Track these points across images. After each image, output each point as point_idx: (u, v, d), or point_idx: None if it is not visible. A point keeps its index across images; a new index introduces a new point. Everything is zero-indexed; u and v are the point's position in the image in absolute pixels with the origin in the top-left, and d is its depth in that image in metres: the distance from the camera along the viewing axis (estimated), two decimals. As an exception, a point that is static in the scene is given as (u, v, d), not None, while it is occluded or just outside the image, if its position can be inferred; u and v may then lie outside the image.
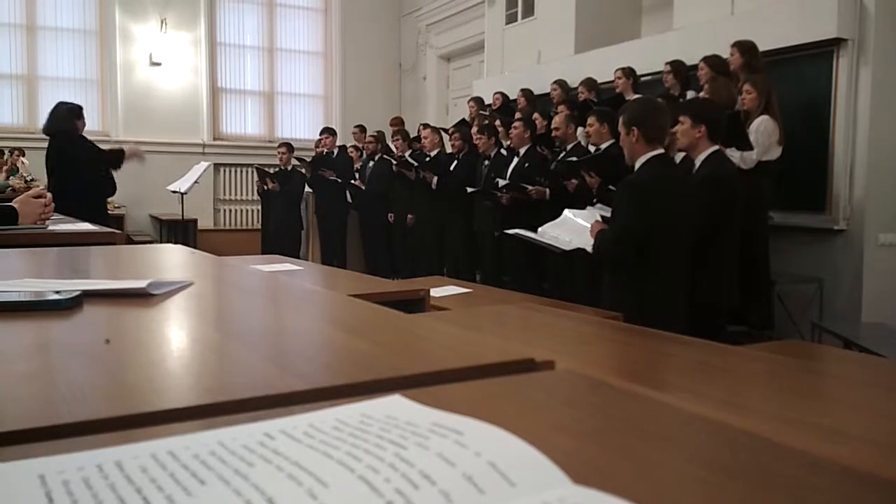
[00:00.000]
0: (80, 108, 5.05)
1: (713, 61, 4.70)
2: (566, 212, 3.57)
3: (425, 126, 7.36)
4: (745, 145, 4.07)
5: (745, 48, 4.52)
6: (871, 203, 4.55)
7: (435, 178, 6.52)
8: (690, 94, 5.01)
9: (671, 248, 3.00)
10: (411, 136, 7.57)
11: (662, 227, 2.95)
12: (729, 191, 3.27)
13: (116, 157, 5.15)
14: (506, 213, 5.52)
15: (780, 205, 4.67)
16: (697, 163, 3.33)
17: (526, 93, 6.82)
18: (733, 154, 4.07)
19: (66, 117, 4.93)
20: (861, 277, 4.53)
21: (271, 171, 8.00)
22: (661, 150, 3.07)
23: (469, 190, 5.80)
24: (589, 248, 3.16)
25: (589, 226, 3.24)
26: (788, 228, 4.74)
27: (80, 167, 4.82)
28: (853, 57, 4.56)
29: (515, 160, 5.68)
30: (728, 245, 3.33)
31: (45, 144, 5.08)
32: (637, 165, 3.07)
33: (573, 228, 3.39)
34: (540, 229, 3.55)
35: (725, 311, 3.42)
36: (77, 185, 4.66)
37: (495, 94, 7.29)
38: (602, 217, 3.31)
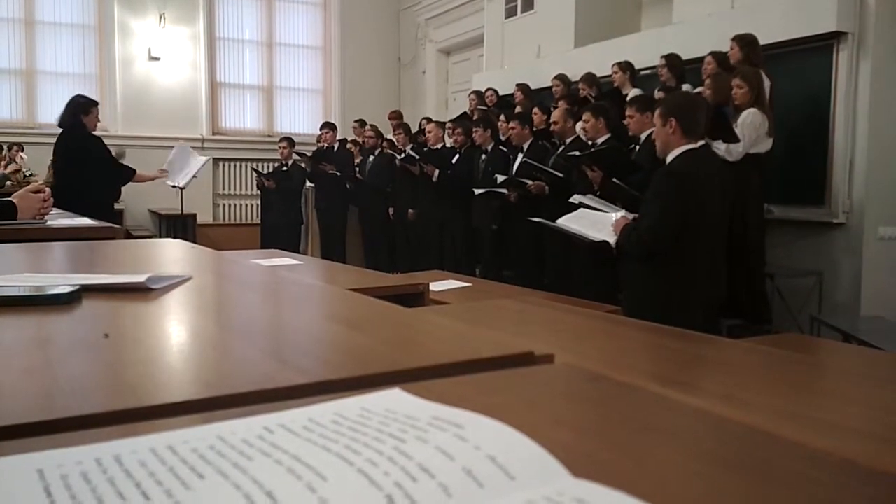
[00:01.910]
0: (87, 103, 4.96)
1: (720, 57, 4.69)
2: (582, 209, 3.55)
3: (428, 120, 7.35)
4: (731, 138, 4.08)
5: (745, 42, 4.51)
6: (871, 197, 4.55)
7: (436, 171, 6.51)
8: (686, 88, 5.00)
9: (701, 243, 2.98)
10: (412, 130, 7.57)
11: (692, 220, 2.93)
12: (716, 182, 3.26)
13: (125, 175, 5.09)
14: (506, 208, 5.52)
15: (779, 198, 4.67)
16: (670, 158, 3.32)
17: (523, 87, 6.81)
18: (719, 146, 4.08)
19: (72, 112, 4.88)
20: (860, 271, 4.53)
21: (270, 169, 8.01)
22: (699, 144, 3.04)
23: (477, 192, 5.79)
24: (612, 242, 3.14)
25: (612, 218, 3.21)
26: (788, 222, 4.74)
27: (79, 164, 4.77)
28: (853, 50, 4.56)
29: (520, 156, 5.67)
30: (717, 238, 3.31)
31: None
32: (670, 158, 3.04)
33: (593, 222, 3.36)
34: (559, 221, 3.53)
35: (716, 305, 3.41)
36: (75, 182, 4.62)
37: (488, 89, 7.28)
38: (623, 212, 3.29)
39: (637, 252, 3.06)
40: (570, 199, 3.79)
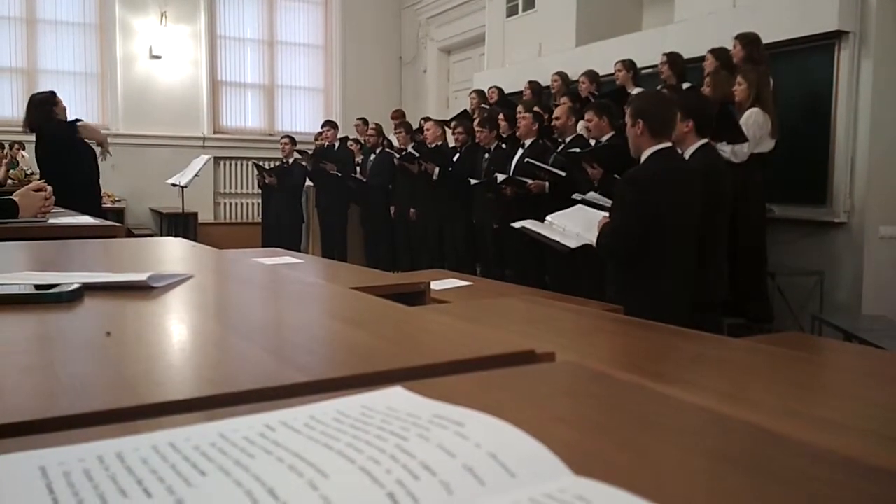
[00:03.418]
0: (50, 96, 4.86)
1: (719, 53, 4.69)
2: (579, 206, 3.56)
3: (427, 119, 7.35)
4: (738, 138, 4.07)
5: (747, 40, 4.51)
6: (872, 196, 4.54)
7: (437, 169, 6.50)
8: (686, 87, 5.00)
9: (677, 243, 2.99)
10: (413, 128, 7.57)
11: (666, 221, 2.93)
12: (718, 184, 3.26)
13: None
14: (507, 206, 5.52)
15: (780, 197, 4.66)
16: (686, 157, 3.33)
17: (533, 85, 6.78)
18: (724, 148, 4.07)
19: (42, 110, 4.77)
20: (861, 270, 4.53)
21: (270, 165, 8.03)
22: (668, 144, 3.05)
23: (472, 182, 5.78)
24: (594, 243, 3.15)
25: (602, 217, 3.23)
26: (789, 221, 4.74)
27: (75, 154, 4.68)
28: (854, 49, 4.55)
29: (520, 151, 5.66)
30: (718, 239, 3.32)
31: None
32: (642, 159, 3.06)
33: (584, 220, 3.37)
34: (548, 217, 3.53)
35: (717, 305, 3.42)
36: (70, 173, 4.57)
37: (490, 88, 7.27)
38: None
39: (605, 253, 3.11)
40: (573, 196, 3.79)
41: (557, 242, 3.41)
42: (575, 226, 3.37)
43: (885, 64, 4.52)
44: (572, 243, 3.31)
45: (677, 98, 3.65)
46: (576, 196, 3.80)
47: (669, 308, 2.88)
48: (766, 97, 4.28)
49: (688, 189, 3.03)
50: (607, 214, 3.24)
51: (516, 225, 3.90)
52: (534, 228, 3.61)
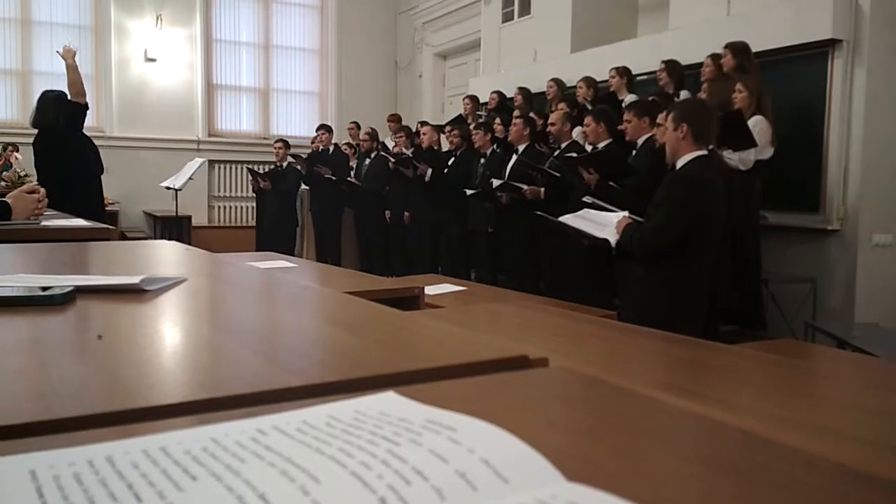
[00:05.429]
0: (63, 93, 4.72)
1: (719, 59, 4.71)
2: (585, 209, 3.56)
3: (424, 123, 7.36)
4: (747, 143, 4.08)
5: (737, 49, 4.53)
6: (865, 203, 4.56)
7: (429, 171, 6.51)
8: (684, 94, 5.01)
9: (706, 247, 3.01)
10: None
11: (702, 226, 2.96)
12: (728, 191, 3.28)
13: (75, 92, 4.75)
14: (502, 212, 5.52)
15: (774, 205, 4.68)
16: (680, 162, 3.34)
17: (524, 91, 6.82)
18: (731, 156, 4.08)
19: (60, 108, 4.67)
20: (854, 277, 4.54)
21: (263, 170, 8.03)
22: (706, 152, 3.07)
23: (468, 192, 5.79)
24: (613, 241, 3.15)
25: (614, 220, 3.22)
26: (782, 228, 4.76)
27: (68, 154, 4.57)
28: (848, 58, 4.58)
29: (514, 157, 5.67)
30: (727, 246, 3.34)
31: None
32: (679, 164, 3.06)
33: (595, 222, 3.36)
34: (560, 219, 3.53)
35: (722, 310, 3.43)
36: (71, 182, 4.50)
37: (492, 93, 7.28)
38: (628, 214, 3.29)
39: (638, 252, 3.08)
40: (583, 199, 3.79)
41: (582, 232, 3.38)
42: (586, 227, 3.36)
43: (879, 72, 4.55)
44: (598, 234, 3.27)
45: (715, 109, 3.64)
46: (586, 199, 3.79)
47: (688, 309, 2.90)
48: (766, 105, 4.30)
49: (722, 197, 3.05)
50: (624, 214, 3.24)
51: (540, 213, 3.92)
52: (555, 220, 3.59)
